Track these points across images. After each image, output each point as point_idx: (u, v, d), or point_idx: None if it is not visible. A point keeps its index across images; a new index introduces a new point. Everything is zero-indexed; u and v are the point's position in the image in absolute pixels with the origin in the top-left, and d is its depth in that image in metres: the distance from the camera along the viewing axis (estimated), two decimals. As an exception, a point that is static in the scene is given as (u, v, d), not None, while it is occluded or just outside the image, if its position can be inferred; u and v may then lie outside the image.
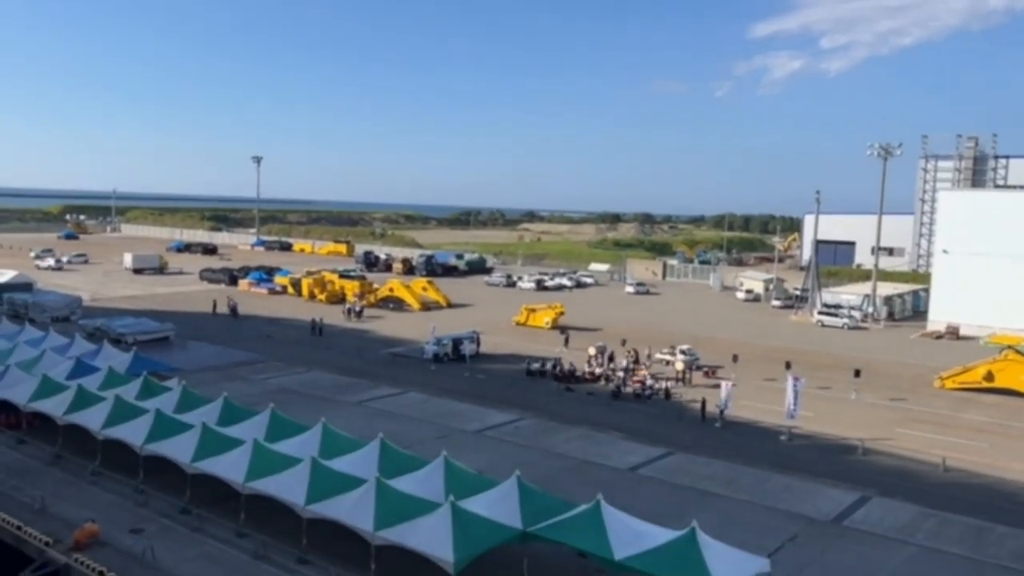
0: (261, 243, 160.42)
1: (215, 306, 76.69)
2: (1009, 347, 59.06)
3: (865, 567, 26.41)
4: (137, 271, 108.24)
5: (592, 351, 56.32)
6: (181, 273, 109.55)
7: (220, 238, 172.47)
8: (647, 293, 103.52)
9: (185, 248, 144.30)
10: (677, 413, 45.95)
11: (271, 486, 26.67)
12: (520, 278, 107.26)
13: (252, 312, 77.02)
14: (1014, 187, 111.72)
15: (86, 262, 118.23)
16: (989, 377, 52.31)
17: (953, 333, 75.51)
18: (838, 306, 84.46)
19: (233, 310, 75.24)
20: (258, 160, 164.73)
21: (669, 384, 50.21)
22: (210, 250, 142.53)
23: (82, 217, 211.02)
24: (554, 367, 53.51)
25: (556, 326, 70.51)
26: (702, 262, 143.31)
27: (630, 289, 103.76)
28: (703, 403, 45.38)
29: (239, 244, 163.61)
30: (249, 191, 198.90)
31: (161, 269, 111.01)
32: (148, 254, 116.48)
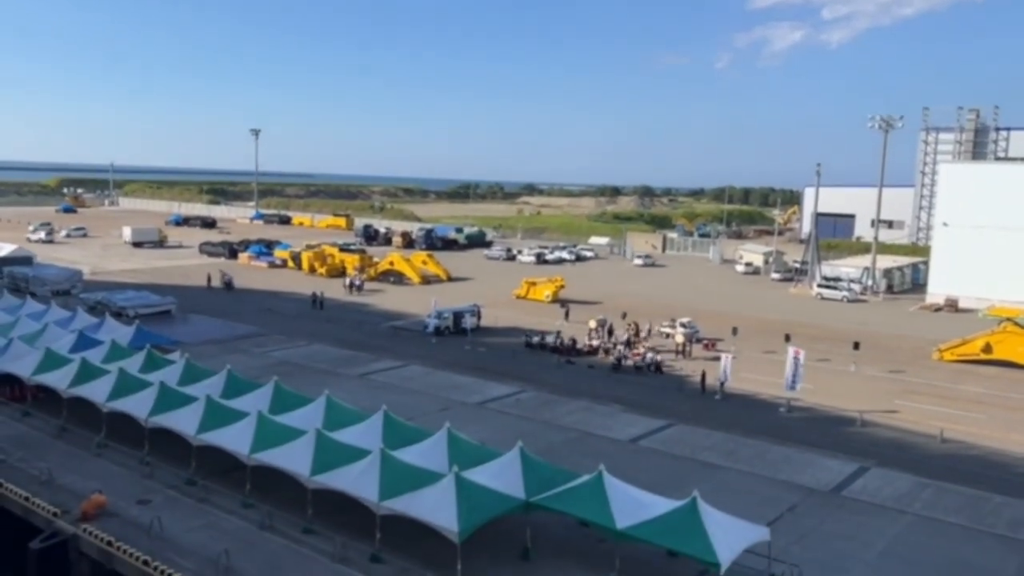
0: (260, 216, 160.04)
1: (210, 280, 76.72)
2: (1007, 319, 59.26)
3: (864, 536, 26.77)
4: (136, 244, 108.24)
5: (593, 324, 56.51)
6: (180, 247, 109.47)
7: (218, 211, 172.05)
8: (652, 265, 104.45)
9: (184, 221, 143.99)
10: (677, 385, 46.24)
11: (276, 457, 26.89)
12: (520, 252, 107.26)
13: (252, 286, 77.12)
14: (1015, 159, 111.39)
15: (85, 235, 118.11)
16: (987, 349, 52.60)
17: (952, 306, 75.73)
18: (837, 279, 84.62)
19: (228, 284, 75.18)
20: (256, 133, 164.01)
21: (660, 359, 50.06)
22: (209, 223, 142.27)
23: (79, 190, 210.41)
24: (555, 340, 53.68)
25: (556, 300, 70.65)
26: (702, 235, 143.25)
27: (638, 261, 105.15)
28: (703, 375, 45.63)
29: (238, 217, 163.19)
30: (247, 164, 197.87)
31: (160, 243, 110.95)
32: (147, 227, 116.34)
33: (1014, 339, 52.47)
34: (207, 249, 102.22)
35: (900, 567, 24.74)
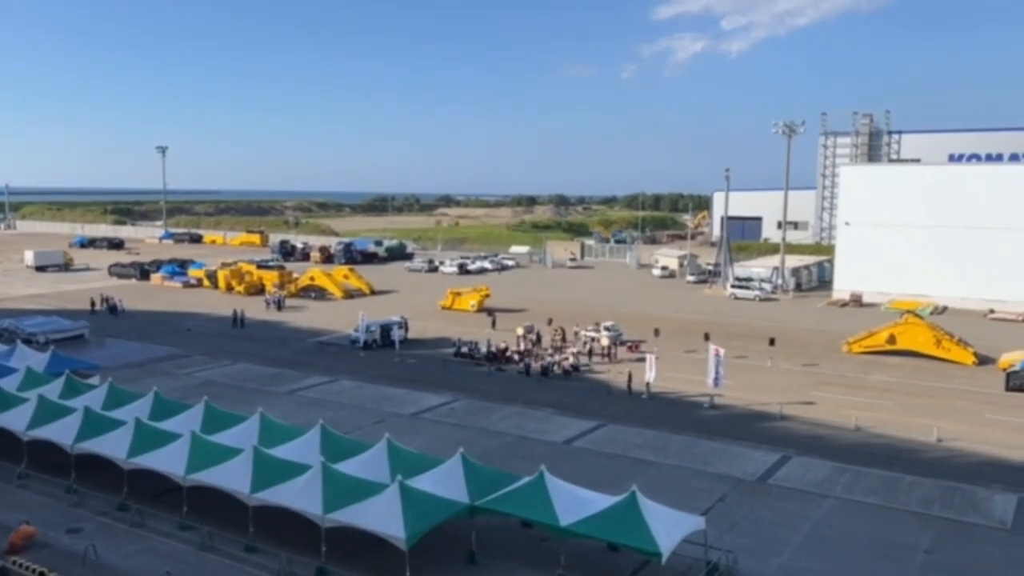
0: (169, 236, 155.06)
1: (93, 304, 72.46)
2: (908, 311, 62.88)
3: (791, 520, 28.21)
4: (40, 269, 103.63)
5: (520, 331, 57.19)
6: (88, 269, 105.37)
7: (125, 232, 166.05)
8: (580, 267, 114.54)
9: (89, 243, 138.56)
10: (606, 387, 47.34)
11: (214, 477, 26.54)
12: (442, 263, 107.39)
13: (168, 308, 75.01)
14: (906, 161, 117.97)
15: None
16: (891, 340, 55.64)
17: (857, 301, 79.65)
18: (749, 279, 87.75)
19: (112, 308, 71.27)
20: (163, 150, 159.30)
21: (580, 362, 51.46)
22: (116, 244, 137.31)
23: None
24: (480, 349, 53.87)
25: (482, 309, 71.19)
26: (618, 241, 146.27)
27: (570, 264, 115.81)
28: (629, 376, 46.84)
29: (146, 238, 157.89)
30: (150, 183, 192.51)
31: (66, 266, 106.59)
32: (51, 251, 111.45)
33: (915, 330, 55.69)
34: (117, 271, 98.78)
35: (826, 547, 26.19)
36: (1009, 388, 46.55)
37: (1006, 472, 33.43)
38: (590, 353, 54.27)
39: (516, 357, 53.39)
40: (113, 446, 29.29)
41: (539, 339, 56.88)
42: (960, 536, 27.19)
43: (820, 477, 32.58)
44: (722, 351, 43.92)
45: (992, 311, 73.06)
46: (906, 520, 28.45)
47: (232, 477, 26.18)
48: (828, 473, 33.03)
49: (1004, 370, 48.46)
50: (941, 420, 39.96)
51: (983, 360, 53.20)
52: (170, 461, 27.79)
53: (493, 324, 64.06)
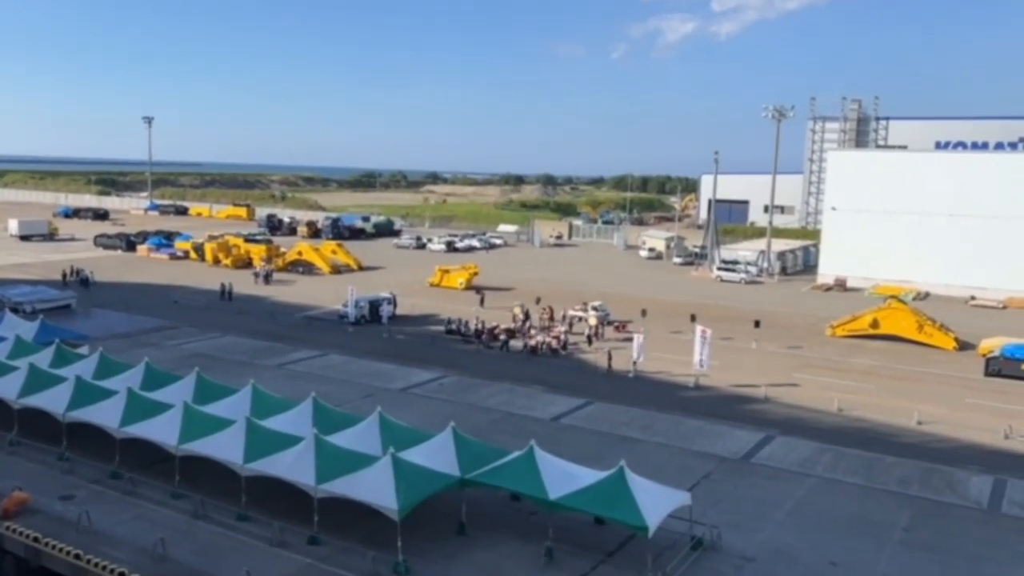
0: (155, 207, 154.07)
1: (65, 276, 71.35)
2: (892, 297, 63.72)
3: (773, 498, 28.81)
4: (24, 238, 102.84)
5: (516, 310, 57.48)
6: (72, 239, 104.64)
7: (110, 202, 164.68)
8: (563, 246, 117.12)
9: (74, 213, 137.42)
10: (593, 366, 47.81)
11: (207, 447, 26.76)
12: (430, 240, 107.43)
13: (155, 280, 74.76)
14: (894, 147, 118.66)
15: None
16: (875, 325, 56.41)
17: (841, 285, 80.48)
18: (735, 262, 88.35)
19: (84, 280, 70.26)
20: (149, 120, 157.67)
21: (559, 342, 51.63)
22: (101, 215, 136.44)
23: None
24: (460, 326, 54.10)
25: (471, 286, 71.42)
26: (605, 222, 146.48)
27: (552, 242, 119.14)
28: (609, 356, 47.33)
29: (131, 209, 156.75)
30: (134, 153, 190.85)
31: (51, 235, 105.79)
32: (35, 220, 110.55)
33: (898, 315, 56.48)
34: (102, 242, 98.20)
35: (807, 524, 26.81)
36: (988, 373, 47.42)
37: (983, 455, 34.22)
38: (589, 339, 54.21)
39: (502, 336, 53.40)
40: (105, 415, 29.42)
41: (527, 317, 57.20)
42: (937, 515, 27.89)
43: (802, 457, 33.21)
44: (708, 332, 44.46)
45: (973, 298, 74.08)
46: (885, 499, 29.11)
47: (225, 447, 26.41)
48: (810, 453, 33.66)
49: (984, 356, 49.33)
50: (921, 403, 40.72)
51: (964, 346, 54.06)
52: (163, 431, 27.98)
53: (482, 302, 64.31)
